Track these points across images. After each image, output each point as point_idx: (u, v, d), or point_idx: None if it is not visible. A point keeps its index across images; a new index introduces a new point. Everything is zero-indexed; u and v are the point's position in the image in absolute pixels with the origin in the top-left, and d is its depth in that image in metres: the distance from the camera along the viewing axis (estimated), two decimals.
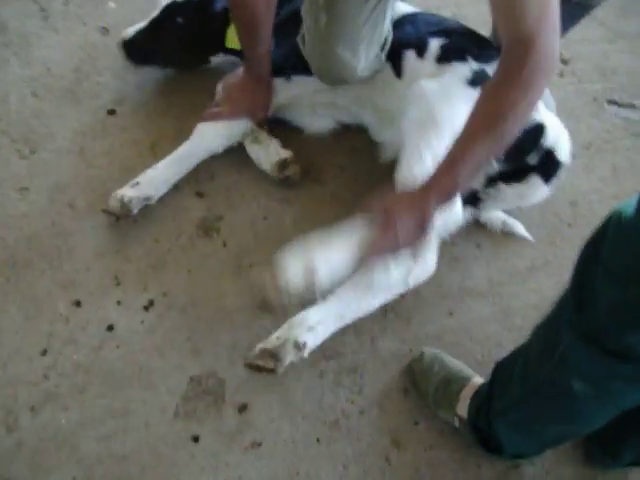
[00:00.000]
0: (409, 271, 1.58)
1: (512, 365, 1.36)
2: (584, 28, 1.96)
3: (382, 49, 1.74)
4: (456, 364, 1.61)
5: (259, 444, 1.54)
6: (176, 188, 1.86)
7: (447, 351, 1.68)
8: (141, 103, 2.05)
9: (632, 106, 2.16)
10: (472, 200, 1.75)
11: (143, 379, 1.61)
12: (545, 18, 1.15)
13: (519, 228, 1.84)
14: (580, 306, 1.06)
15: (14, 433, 1.52)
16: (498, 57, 1.27)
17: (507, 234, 1.87)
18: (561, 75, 2.31)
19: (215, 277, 1.75)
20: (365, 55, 1.69)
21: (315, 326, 1.57)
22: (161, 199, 1.82)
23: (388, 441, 1.57)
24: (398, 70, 1.76)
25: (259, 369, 1.54)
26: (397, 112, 1.77)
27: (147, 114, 2.02)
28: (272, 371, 1.53)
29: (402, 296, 1.72)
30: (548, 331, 1.20)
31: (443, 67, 1.67)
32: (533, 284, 1.81)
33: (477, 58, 1.65)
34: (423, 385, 1.60)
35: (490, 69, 1.63)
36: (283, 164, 1.85)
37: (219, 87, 1.88)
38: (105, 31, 2.24)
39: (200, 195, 1.87)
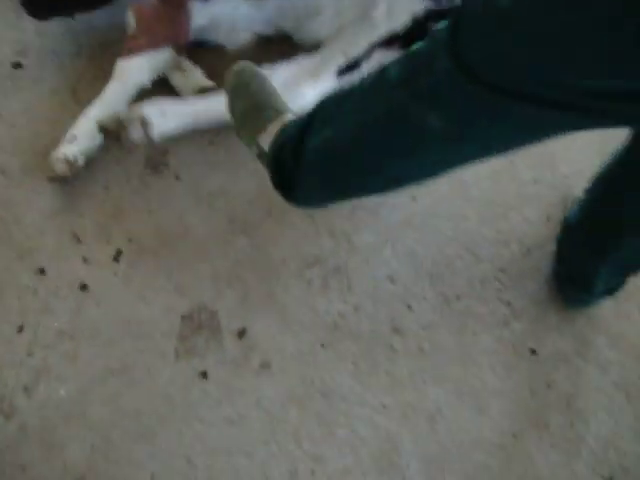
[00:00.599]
0: None
1: (344, 98, 1.25)
2: None
3: None
4: (273, 92, 1.53)
5: (268, 364, 1.56)
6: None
7: (418, 233, 1.75)
8: (47, 50, 1.88)
9: None
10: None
11: (133, 330, 1.56)
12: None
13: None
14: (456, 26, 0.99)
15: (13, 418, 1.45)
16: None
17: None
18: None
19: (177, 212, 1.70)
20: None
21: (167, 112, 1.63)
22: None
23: (388, 329, 1.62)
24: None
25: (106, 132, 1.64)
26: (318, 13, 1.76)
27: (57, 60, 1.87)
28: (117, 139, 1.63)
29: None
30: (413, 60, 1.10)
31: None
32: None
33: None
34: (234, 102, 1.53)
35: None
36: (203, 91, 1.77)
37: (130, 18, 1.75)
38: None
39: None
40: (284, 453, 1.48)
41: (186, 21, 1.72)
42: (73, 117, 1.73)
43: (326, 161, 1.28)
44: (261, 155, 1.46)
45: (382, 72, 1.16)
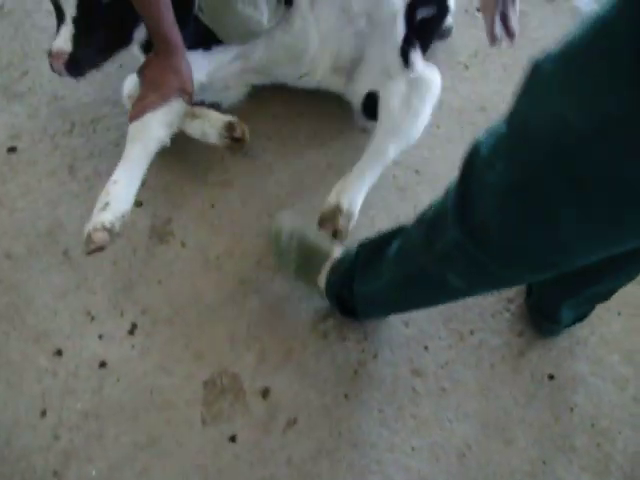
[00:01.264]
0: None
1: (384, 247, 1.43)
2: None
3: None
4: (314, 237, 1.66)
5: (294, 421, 1.56)
6: None
7: None
8: (40, 131, 1.90)
9: None
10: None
11: (157, 402, 1.56)
12: None
13: None
14: (464, 202, 1.09)
15: None
16: None
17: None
18: None
19: (187, 278, 1.71)
20: (266, 5, 1.69)
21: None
22: None
23: (408, 372, 1.64)
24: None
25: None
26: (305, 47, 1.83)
27: (51, 140, 1.89)
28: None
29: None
30: (432, 225, 1.23)
31: None
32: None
33: None
34: (284, 261, 1.68)
35: None
36: (230, 126, 1.77)
37: (134, 82, 1.75)
38: None
39: (139, 204, 1.79)
40: None
41: (189, 68, 1.70)
42: (73, 195, 1.77)
43: (375, 304, 1.58)
44: (321, 292, 1.66)
45: (407, 235, 1.35)
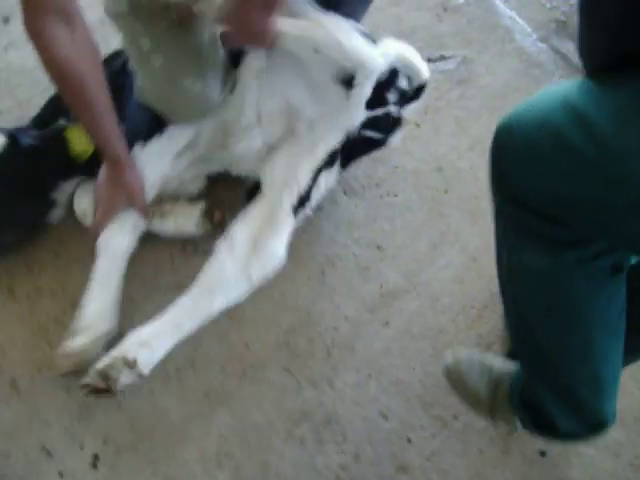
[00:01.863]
0: (249, 265, 1.54)
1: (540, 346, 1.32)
2: None
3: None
4: (492, 360, 1.55)
5: None
6: (59, 323, 1.65)
7: (399, 359, 1.69)
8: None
9: (443, 58, 2.23)
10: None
11: None
12: None
13: None
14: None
15: None
16: None
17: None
18: None
19: (148, 398, 1.59)
20: (215, 81, 1.59)
21: (149, 340, 1.50)
22: (48, 339, 1.62)
23: (393, 470, 1.55)
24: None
25: (96, 391, 1.47)
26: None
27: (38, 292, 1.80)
28: (108, 391, 1.46)
29: (335, 328, 1.71)
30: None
31: None
32: (442, 260, 1.83)
33: None
34: (472, 397, 1.54)
35: None
36: (209, 213, 1.73)
37: (79, 200, 1.70)
38: None
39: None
40: None
41: (138, 180, 1.62)
42: (14, 316, 1.65)
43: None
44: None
45: None
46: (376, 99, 1.63)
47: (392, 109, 1.70)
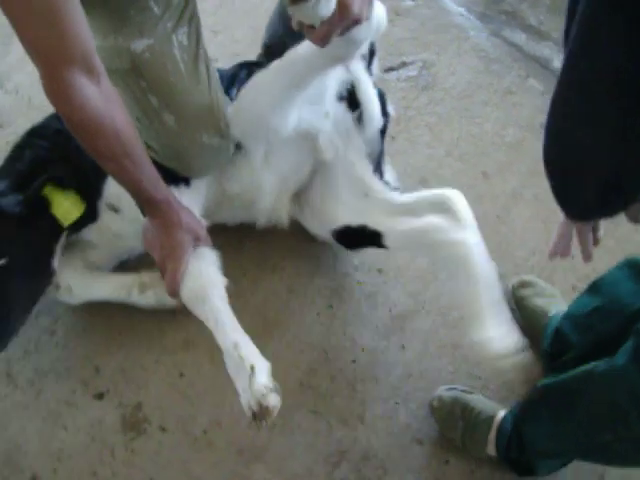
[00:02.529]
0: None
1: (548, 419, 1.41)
2: None
3: None
4: (477, 404, 1.58)
5: None
6: (71, 405, 1.59)
7: (422, 380, 1.68)
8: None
9: (404, 64, 2.21)
10: None
11: None
12: None
13: None
14: None
15: None
16: None
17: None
18: None
19: (179, 467, 1.54)
20: (228, 130, 1.52)
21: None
22: (62, 423, 1.56)
23: None
24: None
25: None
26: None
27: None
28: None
29: (354, 361, 1.68)
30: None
31: None
32: (443, 274, 1.81)
33: None
34: (449, 432, 1.59)
35: None
36: None
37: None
38: None
39: (99, 397, 1.60)
40: None
41: (190, 214, 1.46)
42: (21, 407, 1.56)
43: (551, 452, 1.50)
44: (491, 459, 1.59)
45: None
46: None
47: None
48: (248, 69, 1.63)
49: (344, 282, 1.79)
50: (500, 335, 1.40)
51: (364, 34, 1.35)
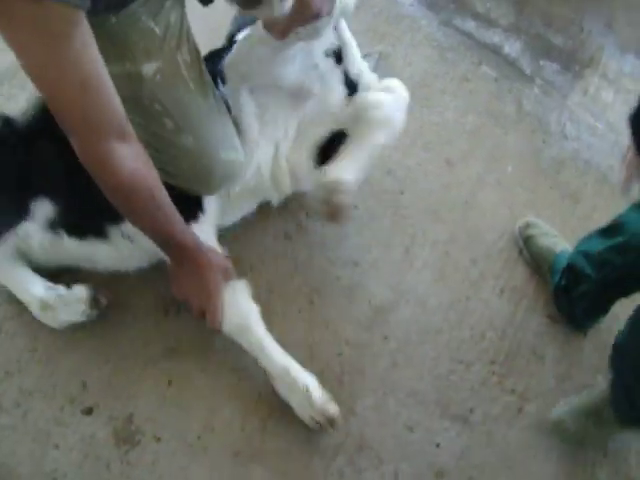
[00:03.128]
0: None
1: None
2: None
3: None
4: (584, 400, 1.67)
5: None
6: (60, 423, 1.56)
7: (407, 369, 1.72)
8: None
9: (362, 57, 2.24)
10: None
11: None
12: None
13: None
14: None
15: None
16: None
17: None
18: None
19: (178, 475, 1.52)
20: (237, 139, 1.54)
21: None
22: (53, 442, 1.52)
23: (433, 477, 1.59)
24: None
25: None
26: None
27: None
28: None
29: (339, 355, 1.71)
30: None
31: None
32: (418, 263, 1.88)
33: None
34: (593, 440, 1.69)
35: None
36: (94, 298, 1.61)
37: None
38: None
39: (88, 412, 1.57)
40: None
41: (213, 251, 1.55)
42: (9, 429, 1.52)
43: None
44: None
45: None
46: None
47: None
48: (213, 59, 1.64)
49: (322, 278, 1.82)
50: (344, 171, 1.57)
51: (325, 23, 1.43)
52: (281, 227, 1.86)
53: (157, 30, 1.38)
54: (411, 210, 1.96)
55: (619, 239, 1.65)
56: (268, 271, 1.82)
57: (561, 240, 1.93)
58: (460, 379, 1.73)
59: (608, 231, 1.71)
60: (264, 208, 1.84)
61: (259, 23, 1.49)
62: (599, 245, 1.72)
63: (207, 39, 1.65)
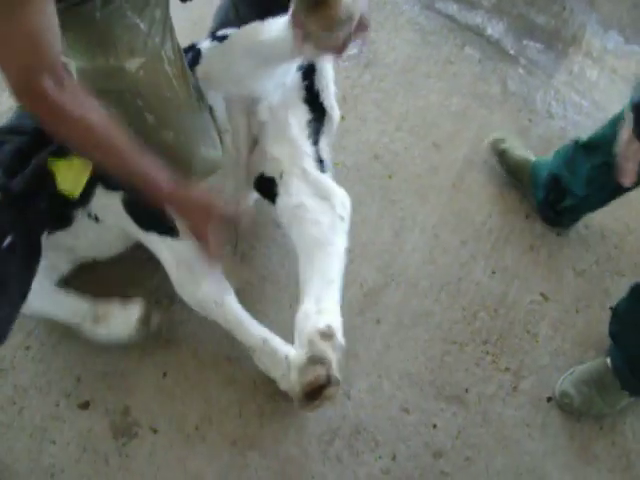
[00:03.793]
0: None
1: None
2: None
3: None
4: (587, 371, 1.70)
5: None
6: (56, 418, 1.57)
7: (400, 351, 1.73)
8: None
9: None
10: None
11: None
12: None
13: None
14: None
15: None
16: None
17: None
18: None
19: (177, 466, 1.54)
20: (216, 135, 1.53)
21: (321, 307, 1.43)
22: (50, 438, 1.53)
23: (431, 458, 1.62)
24: None
25: (319, 389, 1.35)
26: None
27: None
28: (328, 384, 1.34)
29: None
30: None
31: None
32: (408, 246, 1.89)
33: None
34: (598, 409, 1.70)
35: None
36: (146, 316, 1.60)
37: None
38: None
39: (85, 406, 1.58)
40: None
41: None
42: (4, 426, 1.53)
43: None
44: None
45: None
46: None
47: None
48: (194, 51, 1.61)
49: None
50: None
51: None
52: (271, 214, 1.85)
53: (142, 26, 1.36)
54: (399, 194, 1.96)
55: (597, 159, 1.70)
56: (260, 259, 1.83)
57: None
58: (454, 360, 1.74)
59: (590, 148, 1.74)
60: None
61: (243, 29, 1.48)
62: (585, 163, 1.76)
63: (189, 32, 1.64)
